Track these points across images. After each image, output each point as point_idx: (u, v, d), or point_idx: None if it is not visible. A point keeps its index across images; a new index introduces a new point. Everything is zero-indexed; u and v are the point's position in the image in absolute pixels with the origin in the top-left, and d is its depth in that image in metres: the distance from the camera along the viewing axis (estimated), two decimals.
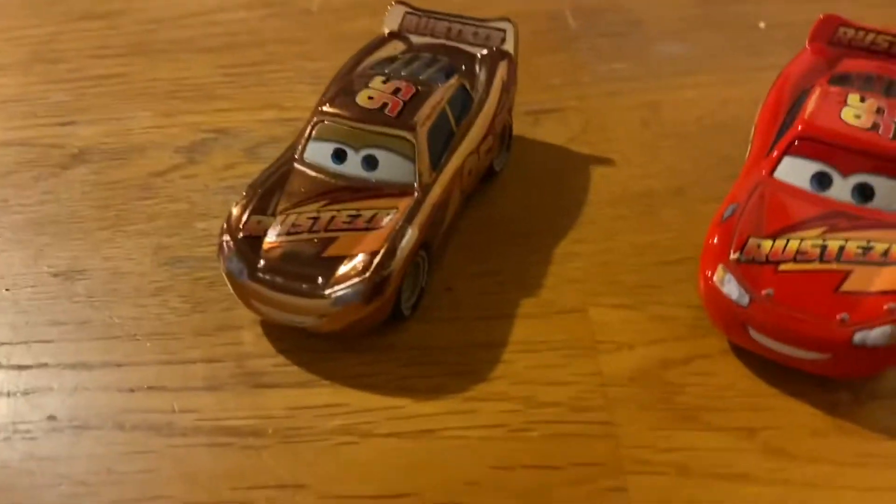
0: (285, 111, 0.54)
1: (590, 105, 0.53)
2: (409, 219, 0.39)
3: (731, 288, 0.35)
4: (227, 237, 0.39)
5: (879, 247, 0.36)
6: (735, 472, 0.34)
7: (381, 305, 0.38)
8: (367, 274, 0.37)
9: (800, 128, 0.39)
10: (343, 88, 0.43)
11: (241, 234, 0.39)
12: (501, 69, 0.47)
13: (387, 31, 0.50)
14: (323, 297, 0.37)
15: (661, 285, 0.42)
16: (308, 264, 0.38)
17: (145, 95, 0.57)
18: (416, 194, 0.40)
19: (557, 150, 0.51)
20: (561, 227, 0.45)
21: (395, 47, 0.49)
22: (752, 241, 0.36)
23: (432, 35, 0.49)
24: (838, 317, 0.34)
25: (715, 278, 0.36)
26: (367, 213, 0.39)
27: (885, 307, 0.34)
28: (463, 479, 0.34)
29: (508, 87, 0.47)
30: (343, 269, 0.37)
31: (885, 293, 0.34)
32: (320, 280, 0.37)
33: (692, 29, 0.60)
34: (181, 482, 0.34)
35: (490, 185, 0.48)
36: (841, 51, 0.47)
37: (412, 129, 0.40)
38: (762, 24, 0.60)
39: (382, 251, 0.37)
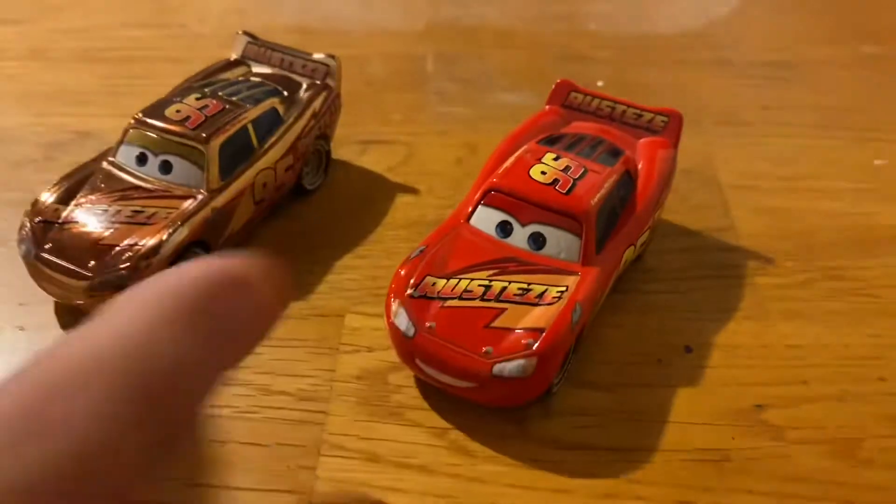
0: None
1: (418, 141, 0.59)
2: (184, 218, 0.44)
3: (401, 320, 0.39)
4: (26, 220, 0.44)
5: (537, 289, 0.40)
6: (417, 463, 0.38)
7: None
8: (129, 263, 0.42)
9: (491, 181, 0.43)
10: (162, 100, 0.49)
11: (38, 219, 0.44)
12: (318, 100, 0.52)
13: (233, 56, 0.56)
14: (87, 279, 0.42)
15: None
16: (85, 250, 0.43)
17: (29, 96, 0.63)
18: (198, 198, 0.45)
19: (375, 177, 0.56)
20: (350, 243, 0.50)
21: (236, 71, 0.55)
22: (427, 279, 0.40)
23: (269, 64, 0.55)
24: (483, 349, 0.38)
25: (391, 311, 0.40)
26: (149, 210, 0.44)
27: (524, 342, 0.38)
28: None
29: (321, 116, 0.52)
30: (109, 258, 0.42)
31: (528, 330, 0.38)
32: (91, 263, 0.42)
33: (535, 81, 0.65)
34: None
35: (301, 201, 0.53)
36: (573, 113, 0.51)
37: (203, 141, 0.46)
38: (600, 83, 0.65)
39: (148, 244, 0.42)
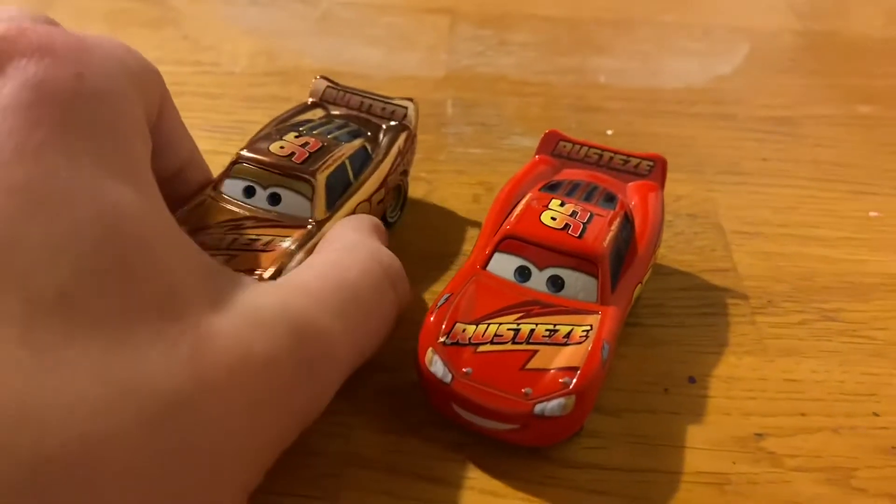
0: None
1: (437, 178, 0.62)
2: (300, 245, 0.45)
3: (437, 367, 0.41)
4: None
5: (563, 329, 0.42)
6: (435, 475, 0.41)
7: None
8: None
9: (506, 229, 0.46)
10: (261, 138, 0.51)
11: None
12: (399, 139, 0.55)
13: (310, 100, 0.58)
14: None
15: None
16: None
17: None
18: (309, 227, 0.47)
19: None
20: None
21: (315, 113, 0.57)
22: (458, 326, 0.42)
23: (347, 107, 0.57)
24: (523, 391, 0.40)
25: (426, 359, 0.41)
26: (265, 239, 0.46)
27: (561, 381, 0.39)
28: None
29: (404, 154, 0.55)
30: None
31: (562, 369, 0.40)
32: None
33: (548, 127, 0.68)
34: None
35: None
36: (562, 161, 0.54)
37: (311, 174, 0.48)
38: (609, 132, 0.69)
39: (272, 269, 0.43)
